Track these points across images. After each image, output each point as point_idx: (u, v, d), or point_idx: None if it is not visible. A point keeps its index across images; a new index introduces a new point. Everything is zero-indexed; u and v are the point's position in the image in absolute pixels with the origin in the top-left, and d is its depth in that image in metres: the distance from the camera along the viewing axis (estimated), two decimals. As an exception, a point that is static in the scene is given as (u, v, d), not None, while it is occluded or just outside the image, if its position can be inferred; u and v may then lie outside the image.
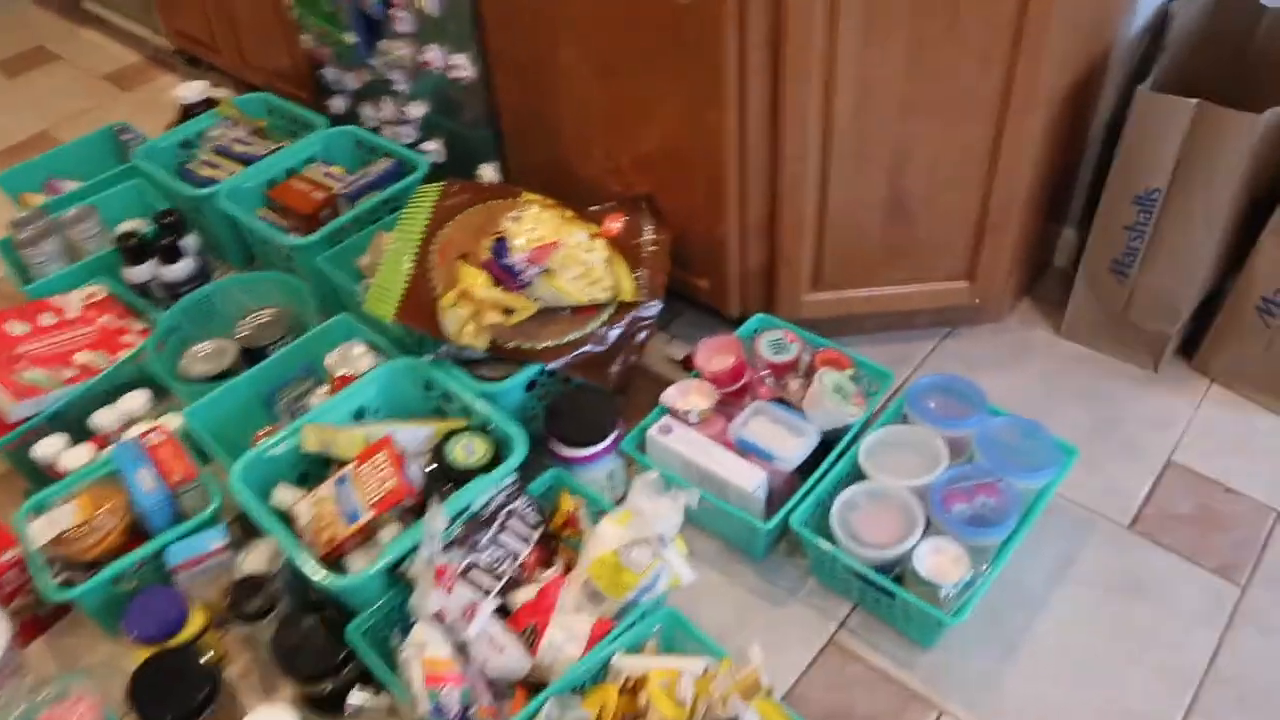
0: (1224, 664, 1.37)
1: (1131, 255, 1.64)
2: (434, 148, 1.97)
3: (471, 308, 1.42)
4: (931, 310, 1.74)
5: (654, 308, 1.60)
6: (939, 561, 1.32)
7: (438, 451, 1.41)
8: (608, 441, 1.48)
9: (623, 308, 1.57)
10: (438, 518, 1.26)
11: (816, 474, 1.44)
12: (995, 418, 1.47)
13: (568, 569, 1.35)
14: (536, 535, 1.37)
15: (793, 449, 1.44)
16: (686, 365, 1.60)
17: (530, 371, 1.49)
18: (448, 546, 1.30)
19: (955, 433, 1.45)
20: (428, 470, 1.40)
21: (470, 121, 1.87)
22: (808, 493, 1.41)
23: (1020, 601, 1.43)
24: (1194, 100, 1.43)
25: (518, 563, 1.33)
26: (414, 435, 1.42)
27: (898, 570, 1.35)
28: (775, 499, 1.45)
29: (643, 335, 1.60)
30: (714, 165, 1.51)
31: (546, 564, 1.37)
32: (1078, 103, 1.59)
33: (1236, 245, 1.62)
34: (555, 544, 1.40)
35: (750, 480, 1.39)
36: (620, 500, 1.35)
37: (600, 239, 1.55)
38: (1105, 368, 1.78)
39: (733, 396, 1.56)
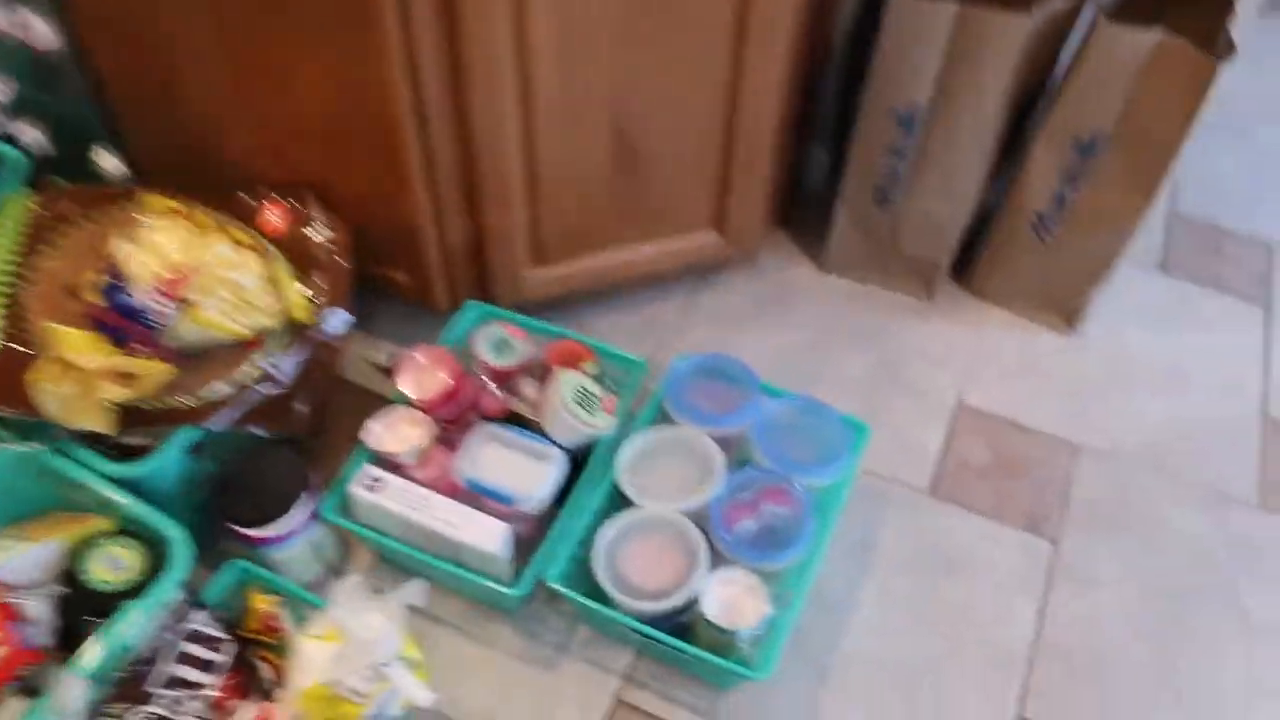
0: (1049, 634, 1.23)
1: (895, 179, 1.43)
2: (32, 135, 1.52)
3: (77, 382, 1.04)
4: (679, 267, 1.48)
5: (338, 321, 1.26)
6: (731, 597, 1.08)
7: (72, 571, 1.05)
8: (299, 511, 1.15)
9: (298, 329, 1.22)
10: (70, 690, 0.91)
11: (567, 509, 1.17)
12: (770, 402, 1.23)
13: (277, 687, 1.04)
14: (226, 657, 1.04)
15: (536, 482, 1.16)
16: (391, 374, 1.28)
17: (184, 438, 1.14)
18: (106, 702, 0.96)
19: (726, 430, 1.21)
20: (60, 600, 1.04)
21: (73, 99, 1.44)
22: (561, 537, 1.14)
23: (824, 609, 1.23)
24: (954, 4, 1.21)
25: (207, 701, 1.01)
26: (31, 559, 1.05)
27: (686, 616, 1.11)
28: (528, 541, 1.18)
29: (331, 357, 1.27)
30: (385, 133, 1.18)
31: (247, 688, 1.05)
32: (820, 9, 1.33)
33: (1004, 159, 1.44)
34: (252, 655, 1.08)
35: (490, 538, 1.11)
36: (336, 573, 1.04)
37: (250, 250, 1.19)
38: (876, 303, 1.59)
39: (455, 419, 1.25)
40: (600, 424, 1.19)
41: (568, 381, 1.20)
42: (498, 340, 1.28)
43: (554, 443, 1.20)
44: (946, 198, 1.43)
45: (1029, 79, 1.34)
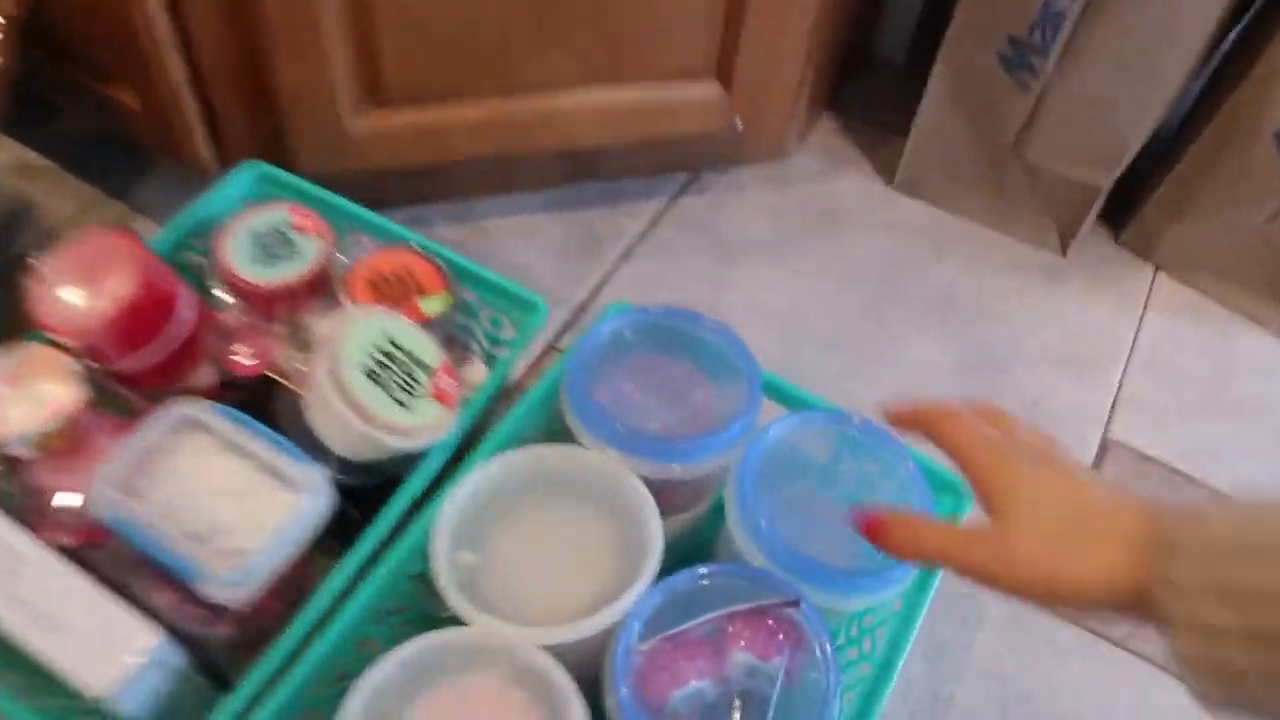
0: None
1: (1048, 31, 0.78)
2: None
3: None
4: (646, 145, 0.84)
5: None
6: None
7: None
8: None
9: None
10: None
11: (320, 596, 0.54)
12: (777, 419, 0.60)
13: None
14: None
15: (258, 539, 0.53)
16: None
17: None
18: None
19: (684, 470, 0.58)
20: None
21: None
22: (296, 656, 0.52)
23: None
24: None
25: None
26: None
27: None
28: (244, 644, 0.56)
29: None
30: None
31: None
32: None
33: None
34: None
35: (102, 668, 0.49)
36: None
37: None
38: (976, 248, 0.95)
39: (158, 376, 0.63)
40: (410, 427, 0.56)
41: (356, 333, 0.57)
42: (270, 232, 0.66)
43: (321, 455, 0.57)
44: (1138, 77, 0.79)
45: None
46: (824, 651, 0.51)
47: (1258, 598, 0.28)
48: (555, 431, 0.61)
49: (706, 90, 0.79)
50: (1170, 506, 0.32)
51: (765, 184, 0.97)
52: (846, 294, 0.91)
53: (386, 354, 0.58)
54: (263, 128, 0.74)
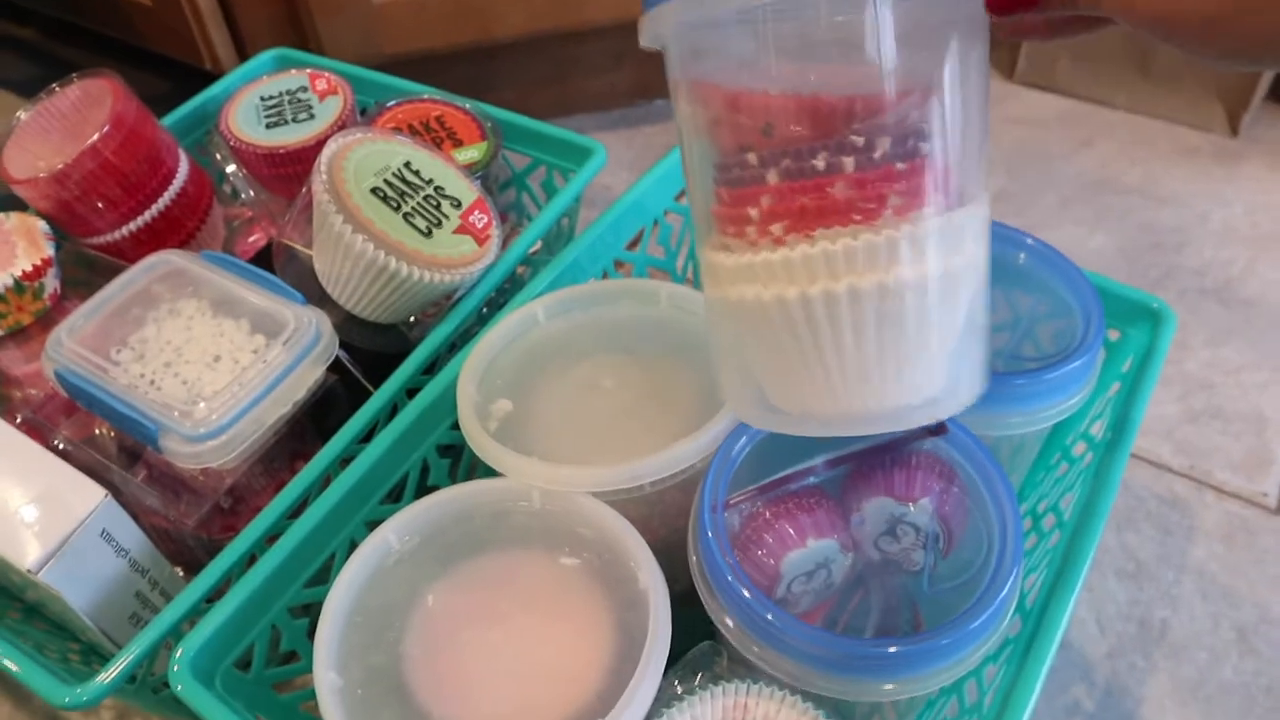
0: None
1: None
2: None
3: None
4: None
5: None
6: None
7: None
8: None
9: None
10: None
11: (308, 471, 0.42)
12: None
13: None
14: None
15: (239, 394, 0.41)
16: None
17: None
18: None
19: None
20: None
21: None
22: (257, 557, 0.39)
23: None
24: None
25: None
26: None
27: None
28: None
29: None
30: None
31: None
32: None
33: None
34: None
35: (32, 536, 0.38)
36: None
37: None
38: (1124, 136, 0.81)
39: (155, 247, 0.53)
40: (432, 259, 0.44)
41: (365, 151, 0.46)
42: (283, 96, 0.56)
43: (308, 296, 0.46)
44: None
45: None
46: (993, 487, 0.37)
47: None
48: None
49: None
50: None
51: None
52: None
53: (404, 180, 0.46)
54: (283, 17, 0.65)
